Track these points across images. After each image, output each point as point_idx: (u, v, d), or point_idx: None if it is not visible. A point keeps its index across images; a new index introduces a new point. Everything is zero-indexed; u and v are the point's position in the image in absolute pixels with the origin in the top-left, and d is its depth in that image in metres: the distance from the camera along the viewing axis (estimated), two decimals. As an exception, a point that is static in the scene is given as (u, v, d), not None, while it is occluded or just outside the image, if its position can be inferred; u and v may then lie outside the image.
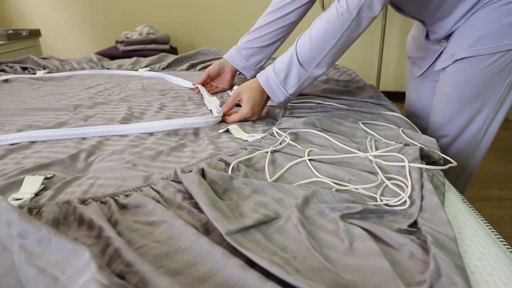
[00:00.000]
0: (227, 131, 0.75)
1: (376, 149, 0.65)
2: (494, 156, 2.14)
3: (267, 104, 0.94)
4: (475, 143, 0.95)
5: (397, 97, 2.69)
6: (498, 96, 0.87)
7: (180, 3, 2.95)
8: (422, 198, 0.48)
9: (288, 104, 0.91)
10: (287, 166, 0.58)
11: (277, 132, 0.70)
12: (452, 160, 0.60)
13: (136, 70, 1.31)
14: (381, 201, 0.50)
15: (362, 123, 0.77)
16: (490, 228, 0.52)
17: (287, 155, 0.61)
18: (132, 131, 0.75)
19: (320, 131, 0.71)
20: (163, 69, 1.34)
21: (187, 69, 1.36)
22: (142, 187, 0.54)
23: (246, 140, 0.70)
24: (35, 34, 2.51)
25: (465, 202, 0.58)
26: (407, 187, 0.52)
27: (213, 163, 0.58)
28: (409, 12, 0.95)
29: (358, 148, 0.65)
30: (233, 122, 0.81)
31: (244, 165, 0.59)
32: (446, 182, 0.60)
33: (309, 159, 0.59)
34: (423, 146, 0.60)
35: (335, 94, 0.97)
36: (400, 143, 0.69)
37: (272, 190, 0.51)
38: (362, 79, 1.21)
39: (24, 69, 1.41)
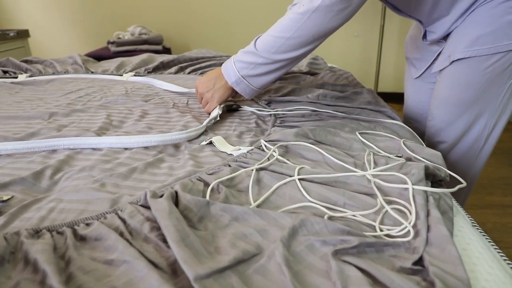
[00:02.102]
0: (211, 143, 0.68)
1: (375, 164, 0.58)
2: (495, 159, 2.08)
3: (257, 112, 0.87)
4: (476, 150, 0.89)
5: (396, 98, 2.63)
6: (499, 100, 0.81)
7: (173, 3, 2.88)
8: (428, 229, 0.42)
9: (280, 111, 0.84)
10: (274, 187, 0.51)
11: (265, 145, 0.64)
12: (461, 180, 0.53)
13: (121, 75, 1.24)
14: (381, 230, 0.44)
15: (359, 133, 0.70)
16: (505, 260, 0.45)
17: (275, 173, 0.54)
18: (105, 145, 0.68)
19: (313, 144, 0.64)
20: (149, 73, 1.27)
21: (176, 72, 1.29)
22: (107, 213, 0.47)
23: (231, 154, 0.63)
24: (23, 34, 2.43)
25: (475, 226, 0.51)
26: (410, 213, 0.45)
27: (189, 184, 0.51)
28: (405, 11, 0.89)
29: (355, 163, 0.58)
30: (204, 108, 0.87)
31: (226, 185, 0.52)
32: (454, 203, 0.53)
33: (299, 179, 0.52)
34: (428, 164, 0.53)
35: (330, 100, 0.90)
36: (401, 156, 0.62)
37: (254, 218, 0.44)
38: (359, 83, 1.14)
39: (5, 72, 1.34)
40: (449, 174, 0.56)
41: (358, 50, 2.99)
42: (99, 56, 2.34)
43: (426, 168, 0.51)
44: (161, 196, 0.47)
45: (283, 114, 0.83)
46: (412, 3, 0.84)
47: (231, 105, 0.89)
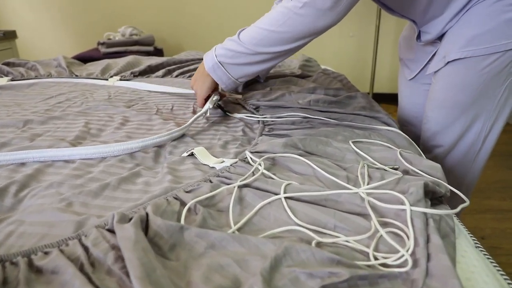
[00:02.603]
0: (192, 154, 0.64)
1: (370, 178, 0.53)
2: (493, 162, 2.04)
3: (245, 118, 0.82)
4: (473, 154, 0.86)
5: (392, 99, 2.59)
6: (496, 101, 0.78)
7: (166, 3, 2.82)
8: (428, 258, 0.37)
9: (269, 118, 0.79)
10: (257, 207, 0.46)
11: (250, 158, 0.59)
12: (464, 198, 0.48)
13: (106, 79, 1.19)
14: (375, 258, 0.39)
15: (353, 142, 0.65)
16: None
17: (259, 191, 0.49)
18: (78, 156, 0.63)
19: (302, 155, 0.59)
20: (135, 76, 1.21)
21: (163, 75, 1.24)
22: (69, 239, 0.42)
23: (213, 168, 0.59)
24: (10, 35, 2.37)
25: (479, 247, 0.47)
26: (408, 238, 0.40)
27: (164, 204, 0.46)
28: (399, 11, 0.85)
29: (348, 177, 0.53)
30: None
31: (205, 205, 0.47)
32: (456, 222, 0.48)
33: (286, 197, 0.47)
34: (427, 180, 0.48)
35: (322, 105, 0.85)
36: (398, 168, 0.58)
37: (233, 245, 0.39)
38: (354, 86, 1.10)
39: (-15, 75, 1.28)
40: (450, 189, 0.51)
41: (353, 50, 2.94)
42: (89, 57, 2.28)
43: (425, 186, 0.46)
44: (131, 219, 0.42)
45: (272, 121, 0.78)
46: (406, 3, 0.81)
47: (220, 105, 0.85)
